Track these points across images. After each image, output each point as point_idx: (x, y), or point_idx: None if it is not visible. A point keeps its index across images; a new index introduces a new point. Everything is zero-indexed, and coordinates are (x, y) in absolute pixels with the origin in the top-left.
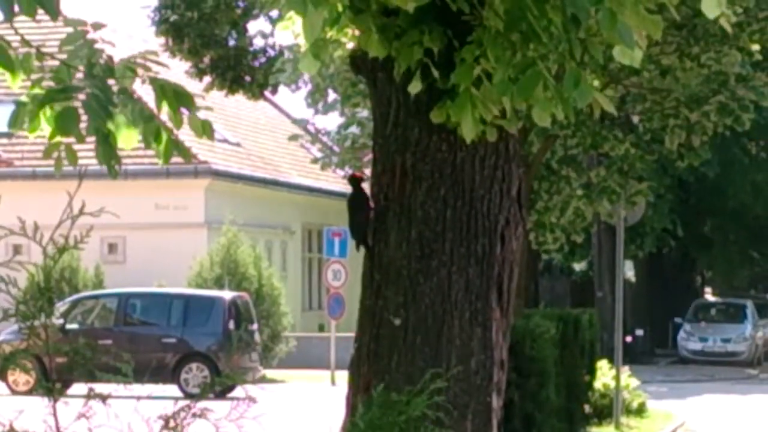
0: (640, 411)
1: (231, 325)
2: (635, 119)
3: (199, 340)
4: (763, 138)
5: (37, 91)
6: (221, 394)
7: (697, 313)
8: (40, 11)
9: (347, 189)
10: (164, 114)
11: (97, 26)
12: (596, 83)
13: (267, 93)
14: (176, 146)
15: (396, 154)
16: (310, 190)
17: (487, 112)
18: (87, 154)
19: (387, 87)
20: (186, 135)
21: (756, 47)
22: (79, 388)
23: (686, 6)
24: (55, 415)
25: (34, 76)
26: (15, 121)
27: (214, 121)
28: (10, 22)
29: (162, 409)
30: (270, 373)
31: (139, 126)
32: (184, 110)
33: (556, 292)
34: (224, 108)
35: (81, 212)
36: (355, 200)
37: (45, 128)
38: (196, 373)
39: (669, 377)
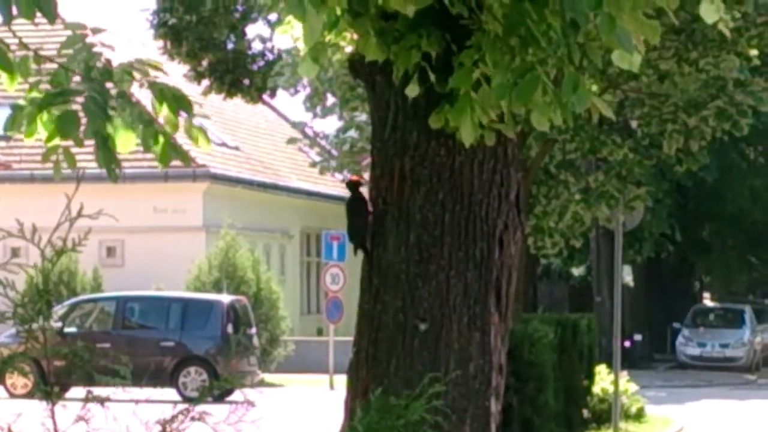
0: (639, 416)
1: (229, 328)
2: (633, 124)
3: (197, 344)
4: (762, 143)
5: (35, 94)
6: (219, 398)
7: (695, 318)
8: (39, 14)
9: (346, 193)
10: (161, 117)
11: (97, 30)
12: (595, 88)
13: (265, 96)
14: (175, 150)
15: (394, 158)
16: (309, 193)
17: (485, 117)
18: (85, 157)
19: (385, 91)
20: (184, 138)
21: (754, 52)
22: (77, 391)
23: (685, 11)
24: (53, 418)
25: (31, 80)
26: (12, 125)
27: (213, 124)
28: (8, 25)
29: (160, 413)
30: (268, 377)
31: (137, 130)
32: (182, 115)
33: (554, 296)
34: (222, 111)
35: (79, 215)
36: (354, 204)
37: (42, 132)
38: (194, 377)
39: (667, 382)
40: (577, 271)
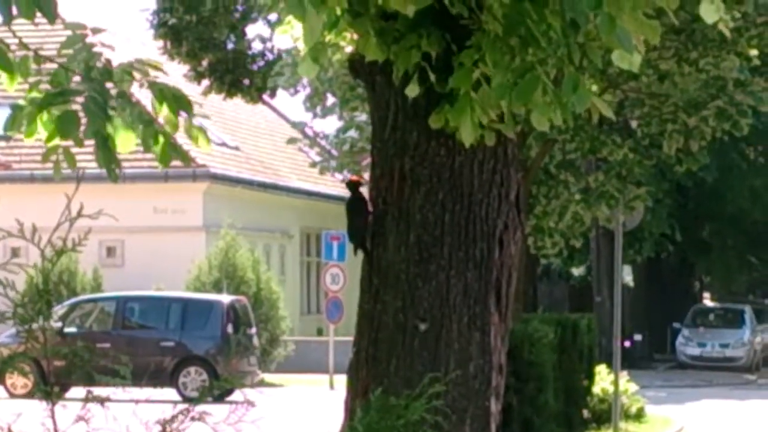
0: (639, 416)
1: (229, 328)
2: (633, 124)
3: (197, 344)
4: (762, 143)
5: (35, 94)
6: (219, 398)
7: (695, 318)
8: (39, 14)
9: (346, 193)
10: (161, 117)
11: (97, 30)
12: (595, 88)
13: (265, 96)
14: (175, 150)
15: (394, 158)
16: (309, 194)
17: (485, 116)
18: (85, 157)
19: (385, 91)
20: (184, 138)
21: (754, 52)
22: (77, 391)
23: (685, 11)
24: (53, 418)
25: (31, 80)
26: (12, 125)
27: (213, 124)
28: (8, 25)
29: (160, 413)
30: (268, 377)
31: (137, 130)
32: (182, 115)
33: (554, 296)
34: (222, 111)
35: (79, 214)
36: (354, 204)
37: (41, 132)
38: (194, 377)
39: (667, 382)
40: (577, 271)
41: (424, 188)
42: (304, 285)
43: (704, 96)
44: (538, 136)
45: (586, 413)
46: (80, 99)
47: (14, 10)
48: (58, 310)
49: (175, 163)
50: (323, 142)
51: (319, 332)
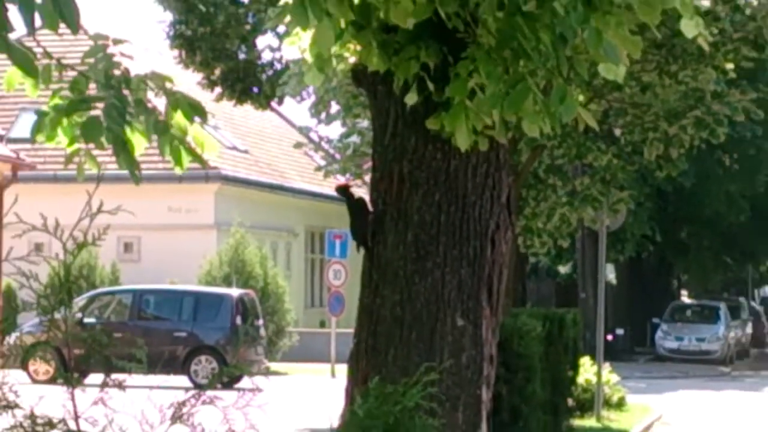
0: (620, 405)
1: (238, 320)
2: (617, 132)
3: (208, 334)
4: (737, 151)
5: (57, 101)
6: (228, 385)
7: (673, 314)
8: (62, 25)
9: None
10: (174, 123)
11: (118, 41)
12: (581, 98)
13: (273, 103)
14: (191, 154)
15: (394, 162)
16: (313, 194)
17: (479, 123)
18: (104, 159)
19: (386, 99)
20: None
21: (730, 66)
22: (96, 378)
23: (666, 27)
24: (73, 401)
25: (53, 87)
26: (38, 130)
27: (224, 129)
28: (33, 35)
29: (173, 398)
30: (274, 365)
31: (150, 134)
32: (197, 120)
33: (542, 293)
34: (233, 117)
35: (99, 210)
36: (356, 205)
37: (61, 135)
38: (205, 365)
39: (647, 374)
40: (563, 269)
41: (421, 190)
42: (308, 280)
43: (683, 106)
44: (528, 142)
45: (570, 402)
46: (100, 105)
47: (38, 21)
48: (79, 301)
49: (188, 165)
50: (327, 147)
51: (322, 324)
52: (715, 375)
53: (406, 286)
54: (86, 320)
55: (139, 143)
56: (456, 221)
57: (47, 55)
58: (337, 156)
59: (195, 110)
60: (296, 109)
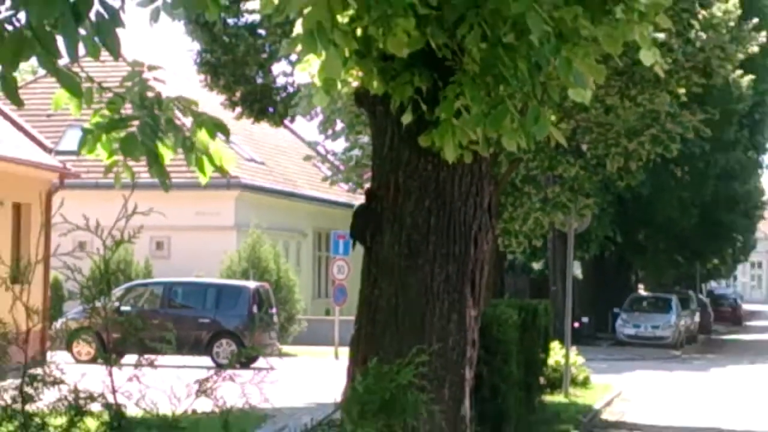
0: (585, 383)
1: (254, 308)
2: (584, 147)
3: (228, 321)
4: (688, 164)
5: (97, 119)
6: (246, 365)
7: (632, 305)
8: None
9: (350, 200)
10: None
11: (153, 68)
12: (553, 118)
13: (286, 122)
14: (213, 165)
15: (390, 172)
16: (321, 200)
17: (465, 139)
18: (139, 169)
19: (384, 118)
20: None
21: (682, 90)
22: (131, 358)
23: (627, 56)
24: (111, 377)
25: (94, 106)
26: (83, 144)
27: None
28: (76, 62)
29: (198, 375)
30: (286, 348)
31: (177, 148)
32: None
33: (518, 286)
34: (252, 133)
35: (134, 213)
36: (359, 210)
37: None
38: (225, 347)
39: (609, 356)
40: (536, 266)
41: (414, 197)
42: (316, 274)
43: (641, 125)
44: (507, 155)
45: (542, 380)
46: (135, 123)
47: (82, 50)
48: (116, 292)
49: (213, 174)
50: (332, 159)
51: (327, 313)
52: (668, 357)
53: (400, 280)
54: (123, 308)
55: (167, 155)
56: (444, 224)
57: (89, 79)
58: (342, 167)
59: (219, 128)
60: (306, 126)
